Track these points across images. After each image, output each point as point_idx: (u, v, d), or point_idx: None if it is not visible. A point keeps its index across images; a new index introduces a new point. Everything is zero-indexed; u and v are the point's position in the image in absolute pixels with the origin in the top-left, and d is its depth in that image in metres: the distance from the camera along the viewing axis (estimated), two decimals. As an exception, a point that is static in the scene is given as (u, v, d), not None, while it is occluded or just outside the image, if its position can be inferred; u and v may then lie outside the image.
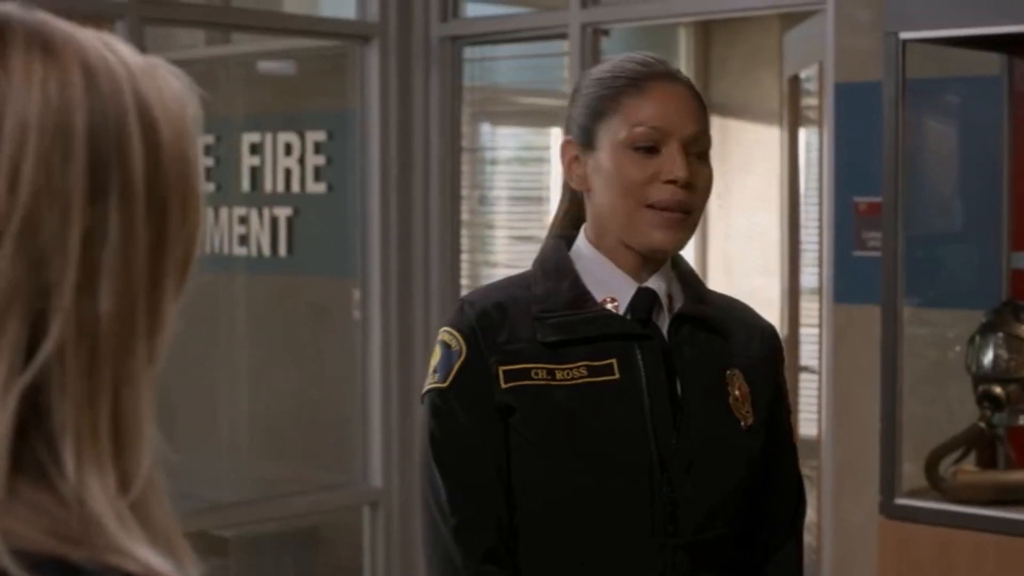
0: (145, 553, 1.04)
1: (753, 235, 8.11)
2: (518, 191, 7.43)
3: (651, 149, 2.39)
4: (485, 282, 5.83)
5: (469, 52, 6.33)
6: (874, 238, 4.72)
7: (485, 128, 7.58)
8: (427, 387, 2.49)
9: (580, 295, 2.45)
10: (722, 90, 9.10)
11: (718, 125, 10.49)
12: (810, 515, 3.31)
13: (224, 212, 6.74)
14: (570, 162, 2.48)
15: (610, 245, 2.47)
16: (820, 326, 5.26)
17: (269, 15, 6.28)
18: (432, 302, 6.13)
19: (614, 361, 2.42)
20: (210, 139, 6.83)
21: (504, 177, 7.48)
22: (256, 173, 6.66)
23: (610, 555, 2.42)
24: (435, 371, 2.47)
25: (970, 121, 4.89)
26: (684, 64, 10.74)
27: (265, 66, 7.10)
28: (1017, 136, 4.69)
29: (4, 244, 1.02)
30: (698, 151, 2.43)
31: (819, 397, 5.27)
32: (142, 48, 5.09)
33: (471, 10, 6.30)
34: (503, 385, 2.41)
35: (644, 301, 2.45)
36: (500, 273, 6.40)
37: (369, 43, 6.07)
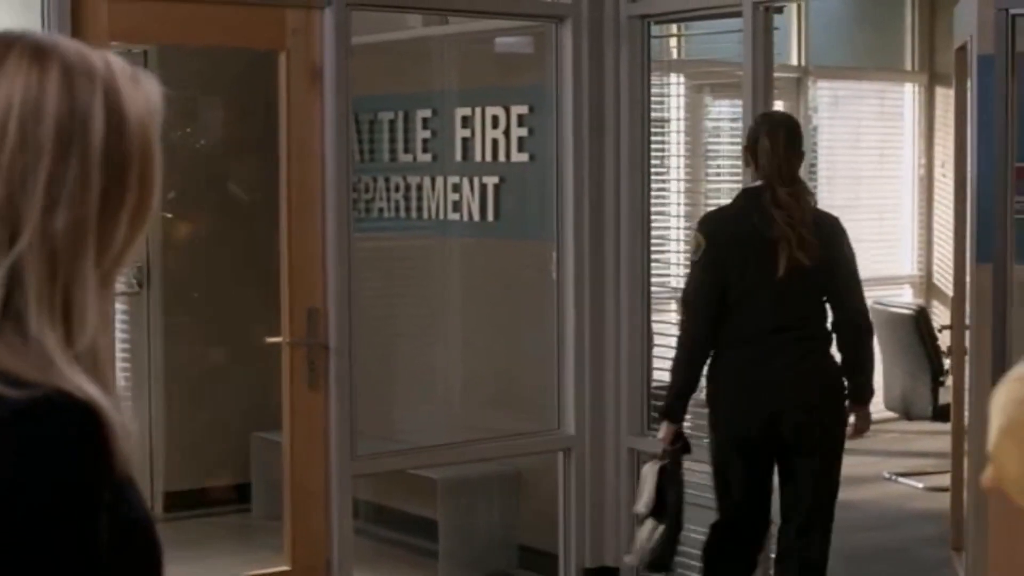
0: (81, 380, 1.60)
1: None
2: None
3: None
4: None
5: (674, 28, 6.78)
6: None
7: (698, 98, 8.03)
8: None
9: None
10: (946, 62, 9.31)
11: (942, 95, 10.71)
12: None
13: (440, 181, 7.32)
14: None
15: None
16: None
17: (468, -1, 6.79)
18: (622, 264, 6.58)
19: None
20: (427, 112, 7.42)
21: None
22: (467, 144, 7.21)
23: None
24: None
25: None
26: (908, 36, 10.97)
27: (472, 45, 7.63)
28: None
29: None
30: None
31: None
32: (348, 32, 5.68)
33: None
34: None
35: None
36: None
37: (563, 23, 6.55)
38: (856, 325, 5.55)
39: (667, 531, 5.72)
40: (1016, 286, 4.84)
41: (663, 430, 5.71)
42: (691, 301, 5.57)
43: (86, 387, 1.60)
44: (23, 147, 1.62)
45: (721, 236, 5.50)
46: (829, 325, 5.56)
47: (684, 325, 5.67)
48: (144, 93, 1.71)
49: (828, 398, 5.53)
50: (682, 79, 7.73)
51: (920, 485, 8.88)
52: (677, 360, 5.67)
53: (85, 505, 1.60)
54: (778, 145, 5.46)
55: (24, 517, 1.57)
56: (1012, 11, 4.58)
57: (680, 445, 5.72)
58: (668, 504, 5.70)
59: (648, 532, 5.76)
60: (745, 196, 5.58)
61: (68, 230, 1.63)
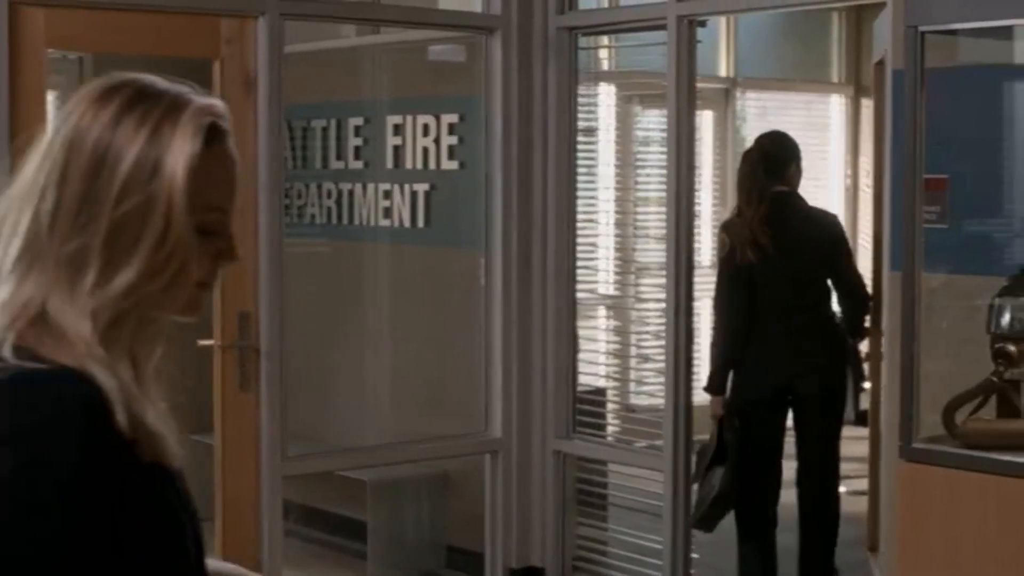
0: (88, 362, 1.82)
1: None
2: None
3: None
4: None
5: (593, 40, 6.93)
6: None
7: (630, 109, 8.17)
8: None
9: None
10: (871, 74, 9.49)
11: (868, 108, 10.91)
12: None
13: (371, 187, 7.44)
14: None
15: None
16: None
17: (400, 9, 6.88)
18: (549, 270, 6.72)
19: None
20: (359, 120, 7.54)
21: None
22: (398, 152, 7.34)
23: None
24: None
25: (998, 105, 5.33)
26: (835, 49, 11.18)
27: (404, 55, 7.76)
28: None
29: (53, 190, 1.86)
30: None
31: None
32: (281, 41, 5.79)
33: (584, 2, 6.89)
34: None
35: None
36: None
37: (493, 34, 6.68)
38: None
39: (728, 471, 6.48)
40: (925, 293, 5.00)
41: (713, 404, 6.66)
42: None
43: (94, 369, 1.81)
44: (65, 170, 1.85)
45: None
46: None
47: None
48: (191, 150, 1.86)
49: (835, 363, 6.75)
50: (613, 89, 7.88)
51: (842, 489, 9.03)
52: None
53: (66, 463, 1.75)
54: (745, 170, 6.68)
55: (11, 470, 1.75)
56: (921, 28, 4.74)
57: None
58: (727, 444, 6.52)
59: (710, 482, 6.52)
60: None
61: (74, 250, 1.85)
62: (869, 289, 6.89)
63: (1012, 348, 4.83)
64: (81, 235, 1.84)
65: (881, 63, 6.30)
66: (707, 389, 6.64)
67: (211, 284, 1.95)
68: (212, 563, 2.12)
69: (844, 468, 9.19)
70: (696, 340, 6.51)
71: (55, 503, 1.74)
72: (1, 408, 1.78)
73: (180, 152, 1.85)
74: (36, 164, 1.88)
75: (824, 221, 6.81)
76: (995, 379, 4.86)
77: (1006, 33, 5.16)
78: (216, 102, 1.93)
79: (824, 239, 6.67)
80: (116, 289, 1.85)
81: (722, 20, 10.11)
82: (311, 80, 7.54)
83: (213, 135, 1.89)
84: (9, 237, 1.87)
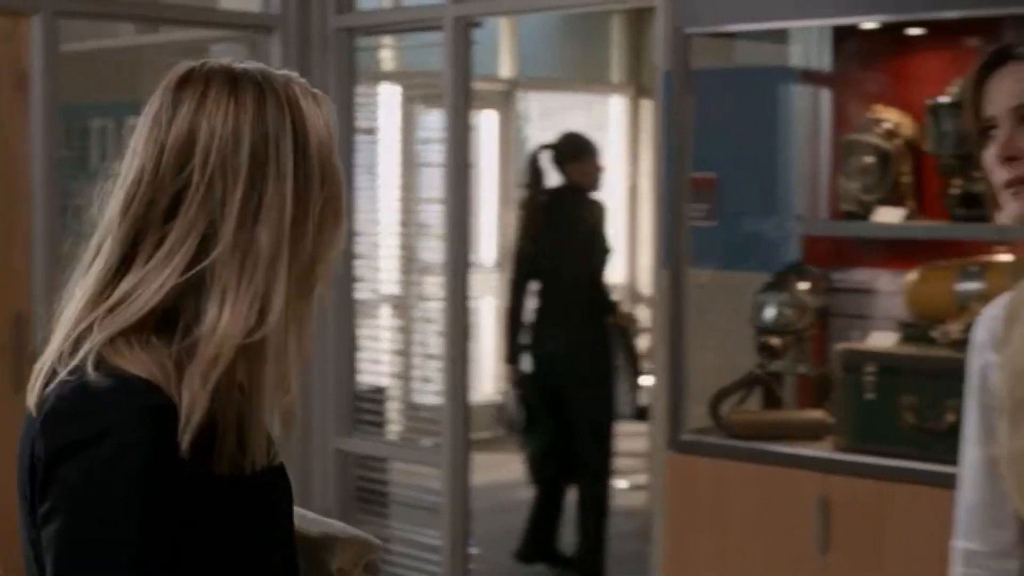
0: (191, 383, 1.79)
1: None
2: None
3: None
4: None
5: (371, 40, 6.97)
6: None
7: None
8: None
9: None
10: (651, 75, 9.68)
11: (648, 108, 11.12)
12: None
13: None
14: None
15: None
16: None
17: (178, 8, 6.86)
18: (330, 269, 6.74)
19: None
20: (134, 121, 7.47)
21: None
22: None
23: None
24: None
25: (768, 107, 5.49)
26: (615, 50, 11.36)
27: (184, 55, 7.71)
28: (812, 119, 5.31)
29: (194, 198, 1.83)
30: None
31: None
32: (56, 39, 5.74)
33: (366, 2, 6.93)
34: None
35: None
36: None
37: (271, 34, 6.70)
38: None
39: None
40: (695, 289, 5.14)
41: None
42: None
43: (193, 389, 1.79)
44: (223, 173, 1.84)
45: None
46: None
47: None
48: (322, 111, 1.91)
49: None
50: (399, 89, 7.93)
51: (625, 484, 9.22)
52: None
53: (135, 472, 1.74)
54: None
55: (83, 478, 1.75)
56: (687, 30, 4.88)
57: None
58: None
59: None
60: None
61: (267, 241, 1.83)
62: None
63: (775, 341, 4.99)
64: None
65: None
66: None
67: None
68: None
69: (626, 463, 9.42)
70: (477, 338, 6.60)
71: (128, 510, 1.74)
72: (72, 417, 1.79)
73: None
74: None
75: (591, 213, 7.67)
76: (759, 371, 5.02)
77: (781, 36, 5.32)
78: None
79: (586, 230, 7.57)
80: None
81: (503, 21, 10.21)
82: (89, 79, 7.47)
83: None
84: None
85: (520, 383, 7.60)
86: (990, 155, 2.43)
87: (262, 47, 6.74)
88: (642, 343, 8.14)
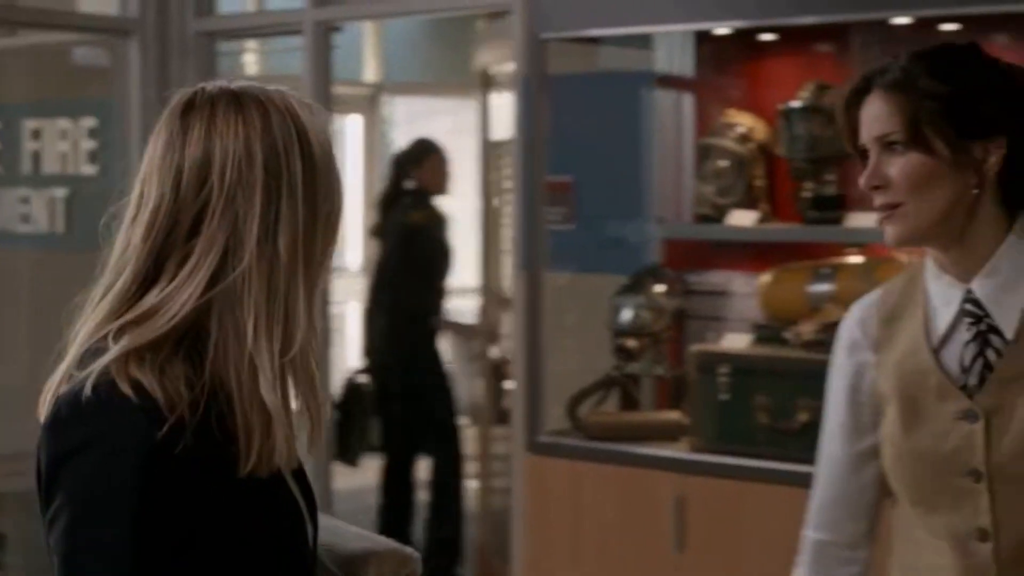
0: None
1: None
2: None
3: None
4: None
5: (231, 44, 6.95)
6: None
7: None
8: None
9: None
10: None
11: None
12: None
13: (8, 193, 7.30)
14: None
15: None
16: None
17: (34, 11, 6.79)
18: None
19: None
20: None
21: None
22: (36, 156, 7.22)
23: None
24: None
25: (629, 111, 5.54)
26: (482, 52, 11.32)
27: (42, 57, 7.64)
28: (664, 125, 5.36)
29: (214, 215, 1.89)
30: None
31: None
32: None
33: (228, 5, 6.91)
34: None
35: None
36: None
37: (130, 37, 6.64)
38: None
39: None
40: (552, 292, 5.17)
41: None
42: None
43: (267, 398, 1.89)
44: (241, 188, 1.90)
45: None
46: None
47: None
48: (319, 120, 1.98)
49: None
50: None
51: (476, 485, 9.23)
52: None
53: (128, 473, 1.82)
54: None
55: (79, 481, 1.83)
56: (542, 35, 4.91)
57: None
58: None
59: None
60: None
61: (285, 251, 1.90)
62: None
63: (632, 344, 5.03)
64: None
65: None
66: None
67: None
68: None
69: (491, 466, 9.42)
70: (341, 344, 6.59)
71: (120, 512, 1.82)
72: (65, 426, 1.88)
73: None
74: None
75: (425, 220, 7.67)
76: (616, 373, 5.06)
77: (645, 42, 5.37)
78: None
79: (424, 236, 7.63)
80: None
81: (368, 26, 10.20)
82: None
83: None
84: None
85: (357, 398, 7.46)
86: (861, 181, 2.49)
87: (120, 51, 6.68)
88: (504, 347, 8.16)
